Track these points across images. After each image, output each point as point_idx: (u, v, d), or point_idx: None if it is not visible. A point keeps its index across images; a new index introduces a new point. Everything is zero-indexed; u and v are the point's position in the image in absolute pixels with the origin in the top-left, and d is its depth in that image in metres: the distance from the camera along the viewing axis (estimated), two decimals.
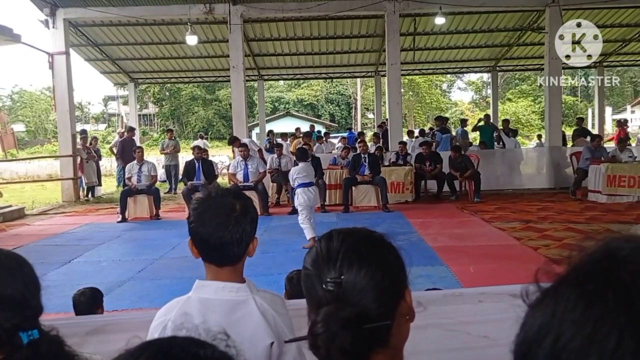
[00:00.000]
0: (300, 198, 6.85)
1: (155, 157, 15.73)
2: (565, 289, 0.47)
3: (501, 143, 13.90)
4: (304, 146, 8.99)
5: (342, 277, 0.84)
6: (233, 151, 12.13)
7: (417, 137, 15.37)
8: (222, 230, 1.35)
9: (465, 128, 15.39)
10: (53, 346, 1.11)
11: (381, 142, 13.96)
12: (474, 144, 14.76)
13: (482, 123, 14.13)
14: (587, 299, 0.45)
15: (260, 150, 11.38)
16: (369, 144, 12.19)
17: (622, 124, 15.30)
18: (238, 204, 1.39)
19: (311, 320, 0.84)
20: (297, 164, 7.22)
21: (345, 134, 18.46)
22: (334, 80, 33.89)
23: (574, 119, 33.44)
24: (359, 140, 12.98)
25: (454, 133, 15.81)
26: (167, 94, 37.95)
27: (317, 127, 24.22)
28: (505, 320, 1.78)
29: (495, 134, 14.02)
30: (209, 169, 10.15)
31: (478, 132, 14.26)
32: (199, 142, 17.71)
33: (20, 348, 1.07)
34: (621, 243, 0.48)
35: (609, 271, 0.46)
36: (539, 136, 19.62)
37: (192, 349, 0.57)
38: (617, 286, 0.44)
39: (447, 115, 29.62)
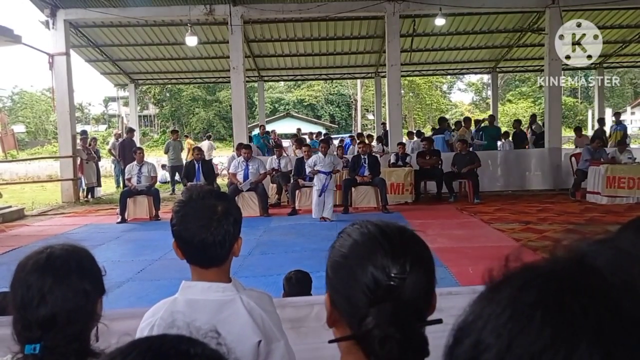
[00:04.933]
0: (315, 179, 8.88)
1: (155, 158, 15.73)
2: (503, 292, 0.44)
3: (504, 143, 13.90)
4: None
5: (406, 273, 0.80)
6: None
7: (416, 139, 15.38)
8: (204, 232, 1.34)
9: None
10: None
11: (382, 142, 13.95)
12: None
13: (485, 124, 14.16)
14: (515, 309, 0.42)
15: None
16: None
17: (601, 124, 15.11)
18: (220, 205, 1.38)
19: (360, 315, 0.78)
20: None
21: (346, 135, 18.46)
22: (334, 81, 33.89)
23: (574, 120, 33.54)
24: (358, 141, 12.97)
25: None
26: (168, 95, 37.97)
27: (317, 128, 24.14)
28: None
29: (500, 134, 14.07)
30: (209, 170, 10.15)
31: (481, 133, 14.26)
32: (205, 143, 17.76)
33: (26, 356, 1.14)
34: (569, 262, 0.45)
35: (545, 287, 0.42)
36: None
37: (183, 347, 0.57)
38: (551, 306, 0.41)
39: (447, 116, 29.60)
